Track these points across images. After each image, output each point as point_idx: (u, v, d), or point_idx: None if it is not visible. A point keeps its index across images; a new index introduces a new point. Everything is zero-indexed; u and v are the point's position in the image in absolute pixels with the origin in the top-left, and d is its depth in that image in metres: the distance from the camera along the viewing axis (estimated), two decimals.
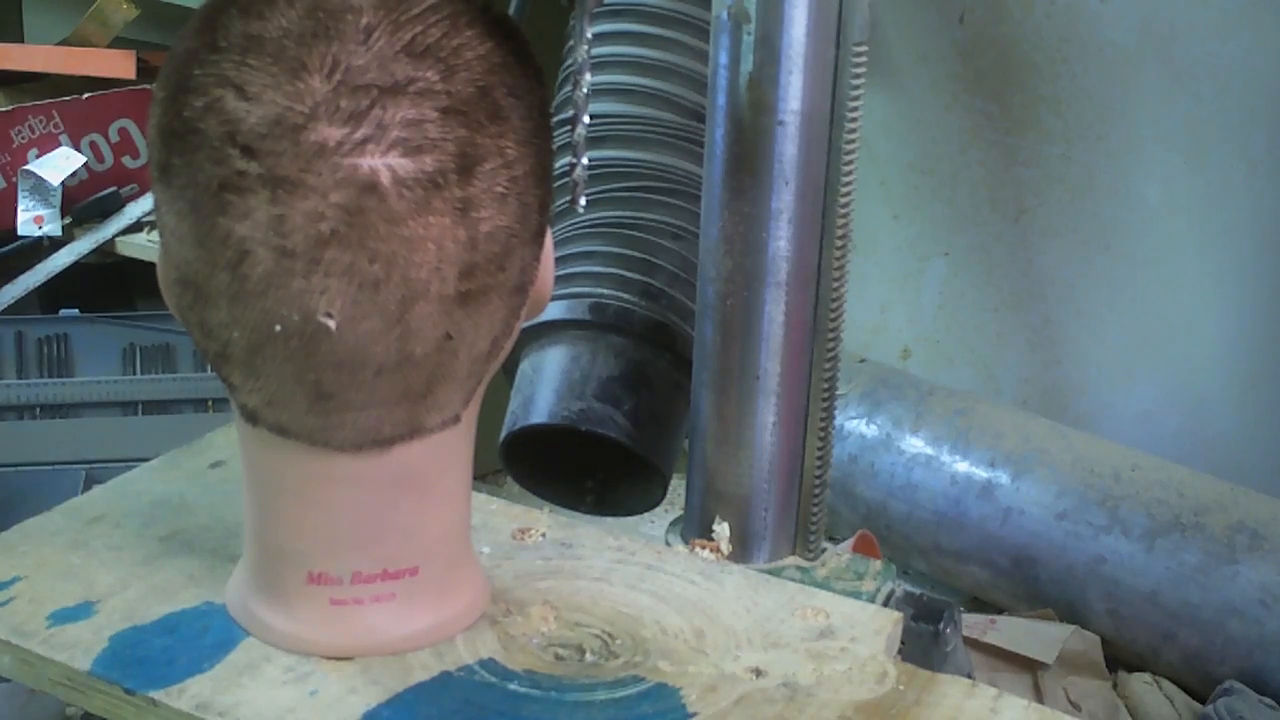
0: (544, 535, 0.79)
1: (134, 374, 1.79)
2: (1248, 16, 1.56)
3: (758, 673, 0.67)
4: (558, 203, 1.06)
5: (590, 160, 0.93)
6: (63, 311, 1.87)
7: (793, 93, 0.86)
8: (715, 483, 0.96)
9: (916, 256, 1.97)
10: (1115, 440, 1.67)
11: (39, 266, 1.89)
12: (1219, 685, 1.40)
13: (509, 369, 1.23)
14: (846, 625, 0.72)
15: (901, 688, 0.66)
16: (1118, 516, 1.50)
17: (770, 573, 0.81)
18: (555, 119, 1.13)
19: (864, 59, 0.87)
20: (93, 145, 1.92)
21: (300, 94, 0.55)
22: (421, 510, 0.65)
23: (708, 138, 0.90)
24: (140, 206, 1.96)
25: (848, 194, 0.89)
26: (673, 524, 1.04)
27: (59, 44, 1.70)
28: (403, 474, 0.63)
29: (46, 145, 1.89)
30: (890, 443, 1.69)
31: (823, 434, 0.95)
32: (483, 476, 1.96)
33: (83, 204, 1.94)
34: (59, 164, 1.90)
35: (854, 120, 0.88)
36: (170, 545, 0.76)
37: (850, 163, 0.89)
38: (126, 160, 1.95)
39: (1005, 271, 1.88)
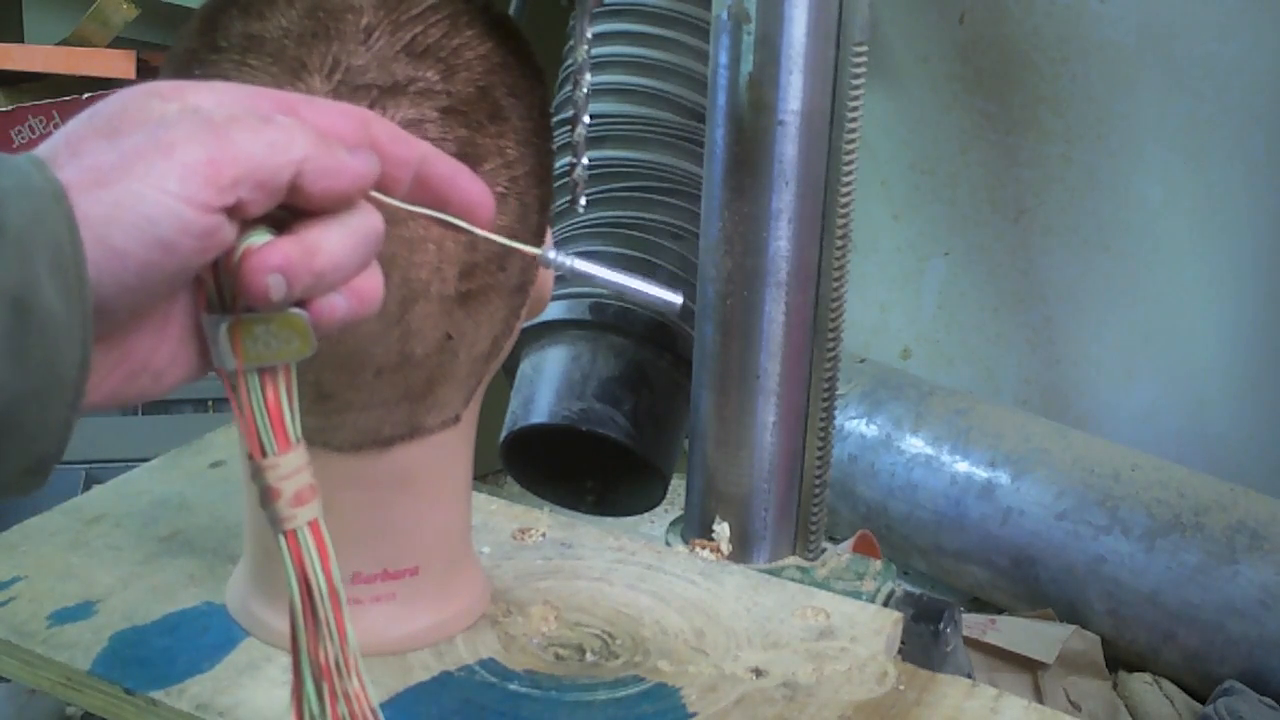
0: (544, 535, 0.79)
1: None
2: (1248, 16, 1.56)
3: (758, 673, 0.67)
4: (558, 203, 1.07)
5: (590, 160, 0.93)
6: None
7: (793, 93, 0.86)
8: (715, 483, 0.96)
9: (916, 256, 1.97)
10: (1115, 440, 1.66)
11: None
12: (1219, 685, 1.40)
13: (509, 369, 1.23)
14: (846, 625, 0.72)
15: (901, 688, 0.66)
16: (1118, 516, 1.50)
17: (770, 573, 0.81)
18: (555, 119, 1.13)
19: (864, 59, 0.87)
20: None
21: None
22: (421, 510, 0.65)
23: (708, 138, 0.90)
24: None
25: (848, 194, 0.89)
26: (673, 524, 1.04)
27: (59, 44, 1.70)
28: (403, 474, 0.63)
29: None
30: (890, 443, 1.69)
31: (823, 434, 0.95)
32: (483, 476, 1.96)
33: None
34: None
35: (854, 120, 0.88)
36: (170, 545, 0.76)
37: (850, 163, 0.89)
38: None
39: (1005, 271, 1.88)
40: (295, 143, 0.41)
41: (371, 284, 0.45)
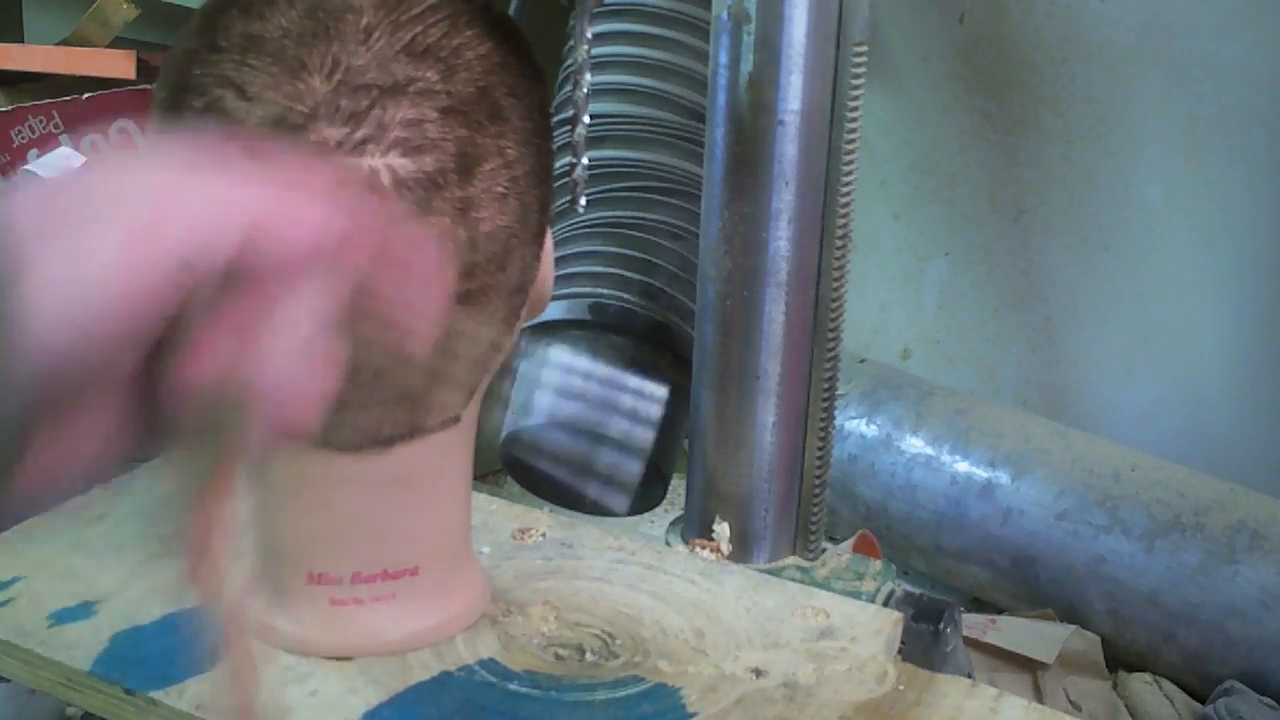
0: (544, 535, 0.79)
1: None
2: (1248, 16, 1.56)
3: (758, 673, 0.67)
4: (558, 203, 1.06)
5: (590, 160, 0.93)
6: None
7: (793, 93, 0.86)
8: (715, 483, 0.96)
9: (916, 256, 1.97)
10: (1115, 440, 1.66)
11: None
12: (1219, 685, 1.40)
13: (509, 369, 1.23)
14: (846, 625, 0.72)
15: (901, 688, 0.66)
16: (1118, 516, 1.50)
17: (770, 573, 0.81)
18: (555, 119, 1.13)
19: (864, 59, 0.87)
20: (93, 145, 1.91)
21: (300, 94, 0.55)
22: (422, 510, 0.65)
23: (708, 138, 0.90)
24: None
25: (848, 194, 0.89)
26: (673, 524, 1.04)
27: (59, 44, 1.70)
28: (403, 474, 0.63)
29: (46, 145, 1.89)
30: (890, 443, 1.69)
31: (823, 434, 0.95)
32: (483, 476, 1.96)
33: None
34: (59, 164, 1.89)
35: (854, 120, 0.88)
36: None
37: (850, 163, 0.89)
38: None
39: (1005, 271, 1.88)
40: (237, 213, 0.38)
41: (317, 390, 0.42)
